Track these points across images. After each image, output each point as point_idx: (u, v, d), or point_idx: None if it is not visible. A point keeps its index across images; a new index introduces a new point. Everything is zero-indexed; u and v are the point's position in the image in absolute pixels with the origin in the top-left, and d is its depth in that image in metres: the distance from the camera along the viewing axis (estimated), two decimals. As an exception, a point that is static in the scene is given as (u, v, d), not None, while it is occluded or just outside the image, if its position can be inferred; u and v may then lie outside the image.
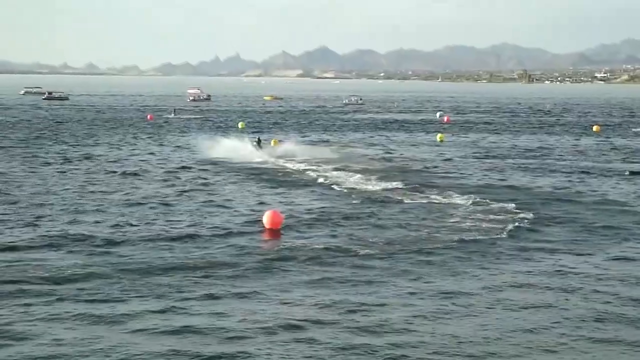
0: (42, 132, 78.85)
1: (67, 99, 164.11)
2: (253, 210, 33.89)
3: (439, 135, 79.93)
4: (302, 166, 51.05)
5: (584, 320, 19.39)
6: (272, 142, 65.88)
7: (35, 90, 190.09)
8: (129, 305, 19.86)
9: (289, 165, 51.76)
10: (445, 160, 57.76)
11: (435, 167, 53.03)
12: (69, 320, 18.67)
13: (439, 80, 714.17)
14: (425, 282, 22.64)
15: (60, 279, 22.18)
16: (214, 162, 52.99)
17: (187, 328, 18.18)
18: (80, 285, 21.54)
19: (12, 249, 25.91)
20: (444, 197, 38.06)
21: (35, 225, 29.97)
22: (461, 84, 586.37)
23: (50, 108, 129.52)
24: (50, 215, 32.07)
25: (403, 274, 23.55)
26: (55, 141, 68.05)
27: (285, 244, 27.39)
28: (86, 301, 20.15)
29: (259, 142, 61.73)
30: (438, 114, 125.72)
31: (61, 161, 52.73)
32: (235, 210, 34.08)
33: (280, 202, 36.74)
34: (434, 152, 64.35)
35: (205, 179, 44.80)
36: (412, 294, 21.39)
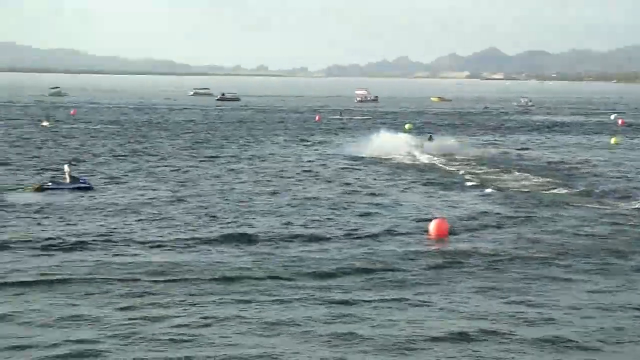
0: (214, 132, 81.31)
1: (238, 99, 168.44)
2: (418, 214, 33.68)
3: (613, 138, 76.77)
4: (468, 168, 50.37)
5: None
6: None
7: (203, 91, 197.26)
8: (296, 308, 20.09)
9: (455, 166, 51.18)
10: (619, 164, 55.34)
11: (609, 171, 50.86)
12: (238, 321, 19.04)
13: (614, 81, 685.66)
14: (600, 294, 21.69)
15: (231, 278, 22.71)
16: (380, 162, 53.13)
17: (352, 334, 18.14)
18: (249, 287, 21.92)
19: (185, 247, 26.80)
20: (618, 203, 36.43)
21: (207, 225, 30.88)
22: (638, 86, 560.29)
23: (223, 109, 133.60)
24: (221, 215, 32.97)
25: (574, 284, 22.68)
26: (227, 140, 70.13)
27: (451, 249, 27.04)
28: (255, 302, 20.51)
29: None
30: (612, 116, 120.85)
31: (233, 161, 54.22)
32: (400, 213, 33.95)
33: (446, 205, 36.34)
34: (607, 155, 61.79)
35: (370, 179, 44.99)
36: (585, 306, 20.51)
